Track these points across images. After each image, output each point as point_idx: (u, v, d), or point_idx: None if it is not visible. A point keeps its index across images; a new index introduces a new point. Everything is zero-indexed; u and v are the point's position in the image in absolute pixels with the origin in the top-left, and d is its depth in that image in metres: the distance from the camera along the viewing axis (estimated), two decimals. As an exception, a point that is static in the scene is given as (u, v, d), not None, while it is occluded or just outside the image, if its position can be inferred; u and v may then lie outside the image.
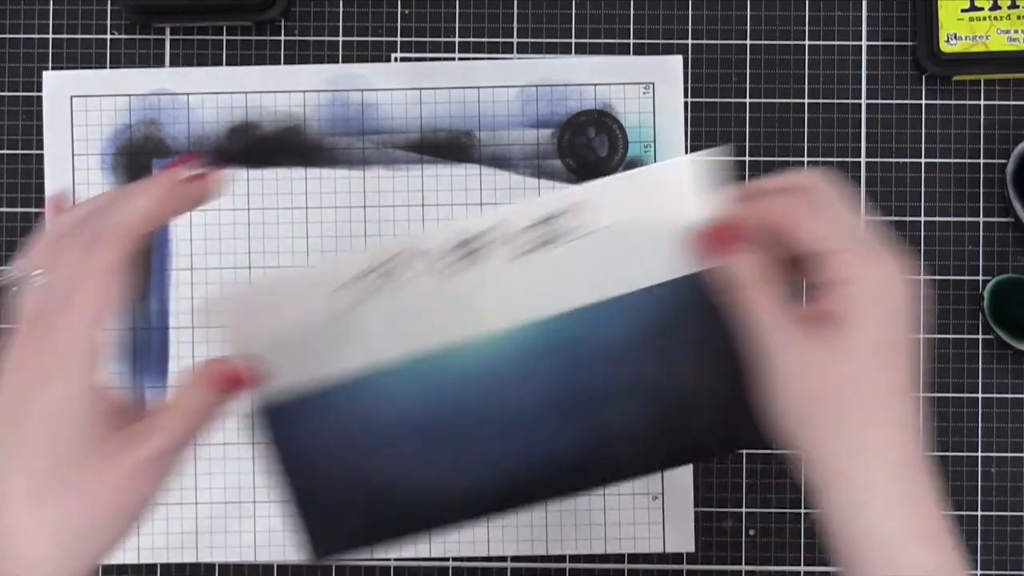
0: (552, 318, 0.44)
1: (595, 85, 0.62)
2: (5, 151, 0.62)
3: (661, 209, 0.42)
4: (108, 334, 0.38)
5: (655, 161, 0.61)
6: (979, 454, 0.61)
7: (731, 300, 0.41)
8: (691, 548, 0.61)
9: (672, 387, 0.45)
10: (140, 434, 0.38)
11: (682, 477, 0.61)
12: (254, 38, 0.63)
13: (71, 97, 0.62)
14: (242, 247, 0.62)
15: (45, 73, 0.62)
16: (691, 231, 0.42)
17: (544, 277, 0.43)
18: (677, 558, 0.61)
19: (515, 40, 0.63)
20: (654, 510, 0.61)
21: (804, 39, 0.62)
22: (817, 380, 0.38)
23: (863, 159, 0.62)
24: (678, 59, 0.62)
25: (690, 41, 0.62)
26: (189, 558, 0.61)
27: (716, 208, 0.42)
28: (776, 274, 0.40)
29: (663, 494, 0.61)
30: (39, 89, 0.62)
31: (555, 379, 0.44)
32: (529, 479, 0.46)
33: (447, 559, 0.62)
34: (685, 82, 0.62)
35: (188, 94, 0.62)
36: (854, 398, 0.38)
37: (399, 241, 0.43)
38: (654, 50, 0.62)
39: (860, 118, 0.62)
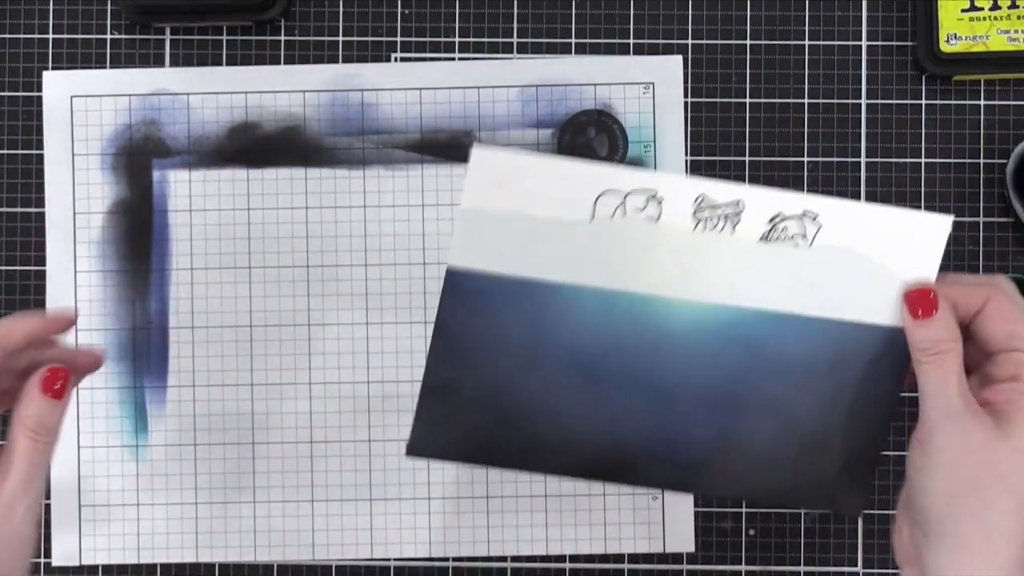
0: (753, 312, 0.44)
1: (595, 85, 0.62)
2: (5, 151, 0.62)
3: (896, 255, 0.43)
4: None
5: (655, 162, 0.61)
6: (979, 454, 0.61)
7: (917, 362, 0.42)
8: (691, 548, 0.61)
9: (813, 427, 0.45)
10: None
11: (682, 477, 0.61)
12: (254, 38, 0.63)
13: (71, 97, 0.62)
14: (242, 247, 0.62)
15: (45, 73, 0.62)
16: (908, 287, 0.43)
17: (761, 270, 0.43)
18: (677, 558, 0.61)
19: (515, 40, 0.63)
20: (654, 510, 0.61)
21: (804, 39, 0.62)
22: (976, 464, 0.41)
23: (863, 159, 0.62)
24: (678, 59, 0.62)
25: (690, 41, 0.62)
26: (189, 558, 0.61)
27: (934, 273, 0.43)
28: (962, 351, 0.42)
29: (663, 494, 0.61)
30: (39, 89, 0.62)
31: (727, 371, 0.44)
32: (648, 454, 0.45)
33: (447, 559, 0.62)
34: (685, 82, 0.62)
35: (188, 94, 0.62)
36: (1005, 490, 0.41)
37: (657, 175, 0.42)
38: (654, 50, 0.62)
39: (860, 118, 0.62)
